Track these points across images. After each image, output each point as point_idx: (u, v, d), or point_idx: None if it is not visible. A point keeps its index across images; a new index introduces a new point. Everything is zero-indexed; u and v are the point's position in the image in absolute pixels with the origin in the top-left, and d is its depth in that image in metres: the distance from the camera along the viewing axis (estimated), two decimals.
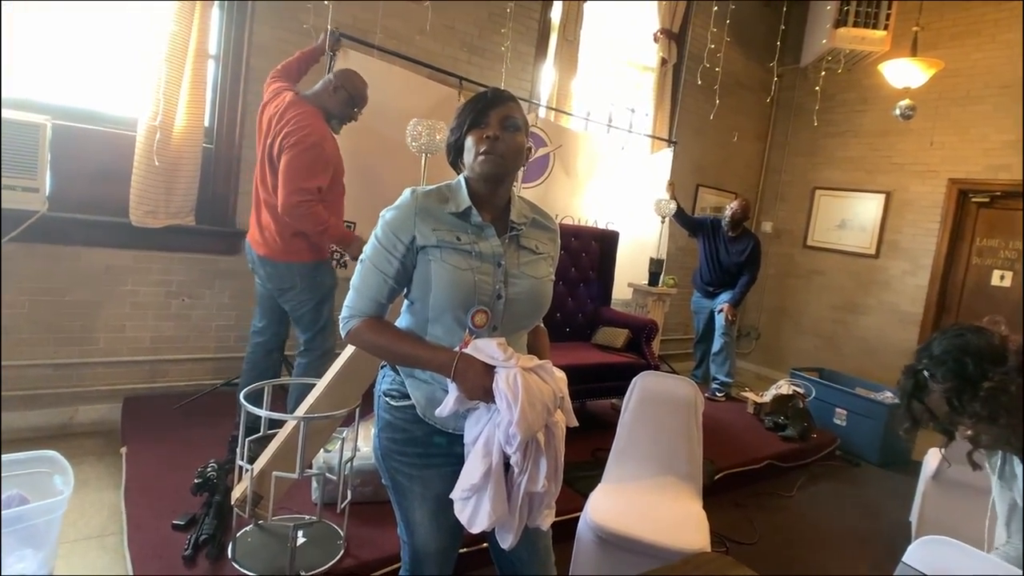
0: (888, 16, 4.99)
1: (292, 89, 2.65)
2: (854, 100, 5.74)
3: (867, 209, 5.62)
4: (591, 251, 4.14)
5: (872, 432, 4.01)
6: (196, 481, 2.19)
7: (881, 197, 5.52)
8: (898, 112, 4.46)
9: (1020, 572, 1.18)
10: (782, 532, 2.98)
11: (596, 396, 3.69)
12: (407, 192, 1.30)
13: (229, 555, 1.96)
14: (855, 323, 5.67)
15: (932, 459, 2.84)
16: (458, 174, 1.38)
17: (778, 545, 2.84)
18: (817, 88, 5.38)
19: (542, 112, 4.54)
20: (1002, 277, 4.93)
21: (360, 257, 1.32)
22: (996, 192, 4.91)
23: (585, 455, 3.18)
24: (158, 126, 2.91)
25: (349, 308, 1.32)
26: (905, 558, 1.27)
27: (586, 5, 4.66)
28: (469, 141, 1.30)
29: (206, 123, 3.22)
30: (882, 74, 4.55)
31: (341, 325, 1.33)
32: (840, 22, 5.06)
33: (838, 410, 4.21)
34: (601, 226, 4.70)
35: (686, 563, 1.41)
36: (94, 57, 2.97)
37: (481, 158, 1.27)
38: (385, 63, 3.50)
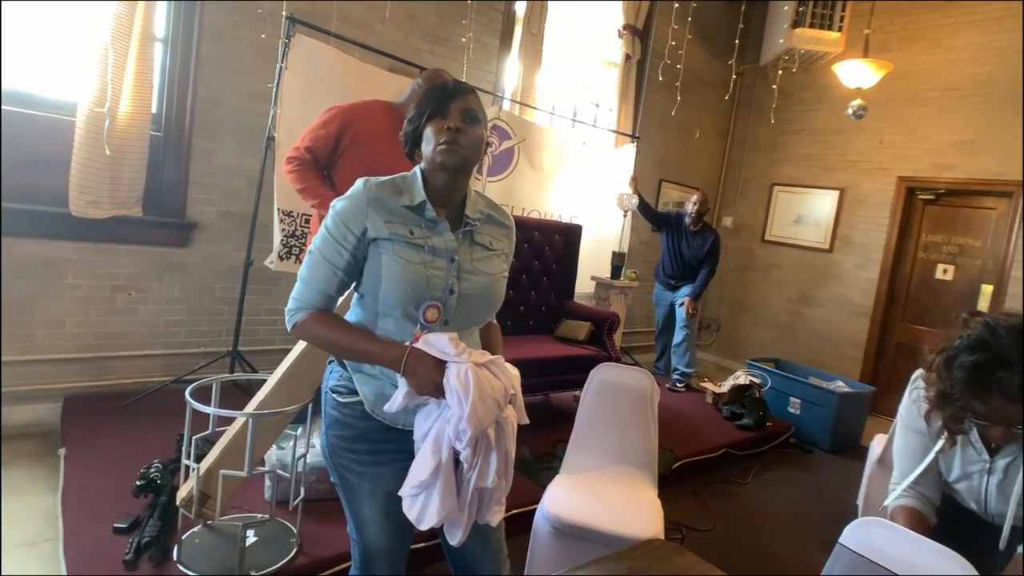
0: (842, 18, 5.13)
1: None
2: (811, 99, 5.88)
3: (822, 205, 5.78)
4: (554, 244, 4.15)
5: (824, 420, 4.12)
6: (138, 482, 2.10)
7: (835, 194, 5.68)
8: (851, 112, 4.59)
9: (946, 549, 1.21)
10: (737, 518, 3.04)
11: (558, 388, 3.70)
12: (359, 182, 1.27)
13: (174, 557, 1.90)
14: (810, 315, 5.83)
15: (878, 444, 2.93)
16: (413, 165, 1.36)
17: (733, 531, 2.90)
18: (775, 87, 5.51)
19: (506, 105, 4.51)
20: (945, 271, 5.13)
21: (309, 248, 1.28)
22: (940, 190, 5.10)
23: (547, 447, 3.19)
24: (104, 112, 2.78)
25: (296, 300, 1.28)
26: (842, 539, 1.30)
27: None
28: (429, 131, 1.27)
29: (154, 109, 3.10)
30: (836, 74, 4.68)
31: (287, 317, 1.29)
32: (797, 23, 5.18)
33: (792, 399, 4.32)
34: (565, 220, 4.71)
35: (633, 549, 1.42)
36: (31, 38, 2.82)
37: (442, 147, 1.24)
38: (342, 52, 3.42)
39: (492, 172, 4.30)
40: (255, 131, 3.35)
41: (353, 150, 2.67)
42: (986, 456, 1.40)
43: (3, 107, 2.70)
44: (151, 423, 2.84)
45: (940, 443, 1.44)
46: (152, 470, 2.16)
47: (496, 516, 1.31)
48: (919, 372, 1.45)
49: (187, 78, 3.20)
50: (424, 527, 1.21)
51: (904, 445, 1.54)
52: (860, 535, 1.30)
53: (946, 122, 4.99)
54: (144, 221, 3.12)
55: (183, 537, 1.96)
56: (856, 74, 4.53)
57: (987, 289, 4.78)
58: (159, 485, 2.13)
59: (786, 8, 5.20)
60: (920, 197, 5.26)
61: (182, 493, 1.90)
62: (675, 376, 4.79)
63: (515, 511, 2.45)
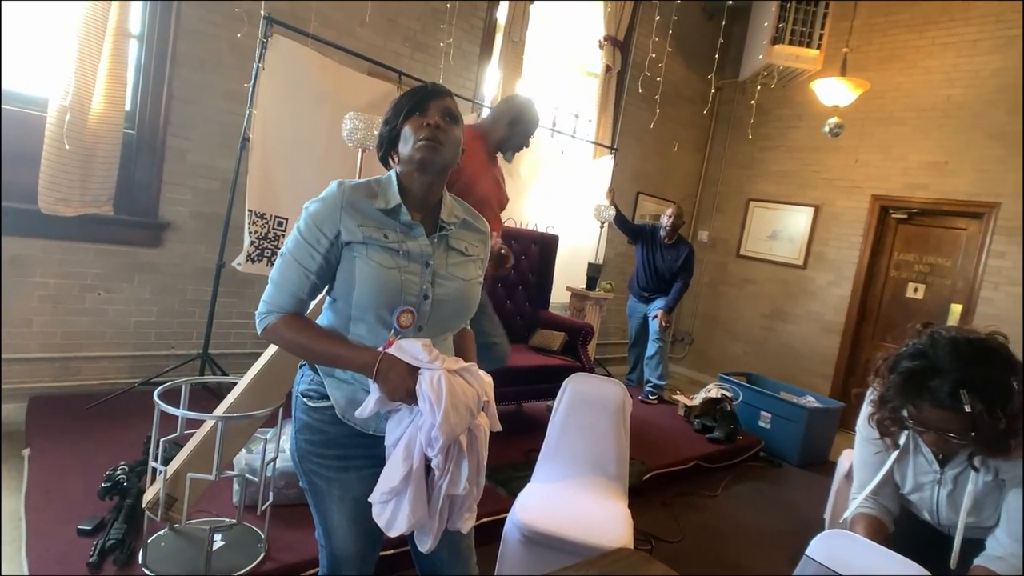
0: (821, 36, 5.23)
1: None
2: (788, 116, 5.99)
3: (797, 222, 5.88)
4: (530, 254, 4.16)
5: (794, 434, 4.17)
6: (104, 484, 2.07)
7: (810, 210, 5.78)
8: (827, 129, 4.67)
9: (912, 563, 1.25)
10: (706, 530, 3.06)
11: (532, 398, 3.70)
12: (333, 184, 1.26)
13: (139, 560, 1.86)
14: (782, 330, 5.92)
15: (845, 460, 2.98)
16: (388, 169, 1.35)
17: (701, 543, 2.92)
18: (753, 102, 5.61)
19: (486, 112, 4.52)
20: (915, 289, 5.24)
21: (281, 251, 1.27)
22: (913, 209, 5.22)
23: (519, 456, 3.18)
24: (68, 107, 2.72)
25: (267, 303, 1.26)
26: (808, 551, 1.33)
27: (532, 7, 4.69)
28: (408, 130, 1.26)
29: (127, 107, 3.05)
30: (814, 91, 4.77)
31: (257, 320, 1.27)
32: (777, 39, 5.27)
33: (763, 413, 4.37)
34: (542, 229, 4.73)
35: (602, 558, 1.44)
36: (4, 31, 2.77)
37: (422, 143, 1.24)
38: (320, 54, 3.41)
39: None
40: (230, 131, 3.32)
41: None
42: (936, 467, 1.45)
43: None
44: (118, 425, 2.79)
45: (894, 457, 1.48)
46: (118, 472, 2.14)
47: (467, 523, 1.31)
48: (848, 451, 1.50)
49: (162, 76, 3.16)
50: (394, 534, 1.20)
51: (862, 456, 1.59)
52: (826, 547, 1.34)
53: (920, 142, 5.11)
54: (115, 220, 3.07)
55: (149, 540, 1.93)
56: (833, 92, 4.62)
57: (956, 308, 4.90)
58: (125, 487, 2.10)
59: (766, 24, 5.30)
60: (893, 216, 5.37)
61: (148, 496, 1.88)
62: (647, 388, 4.83)
63: (485, 519, 2.44)
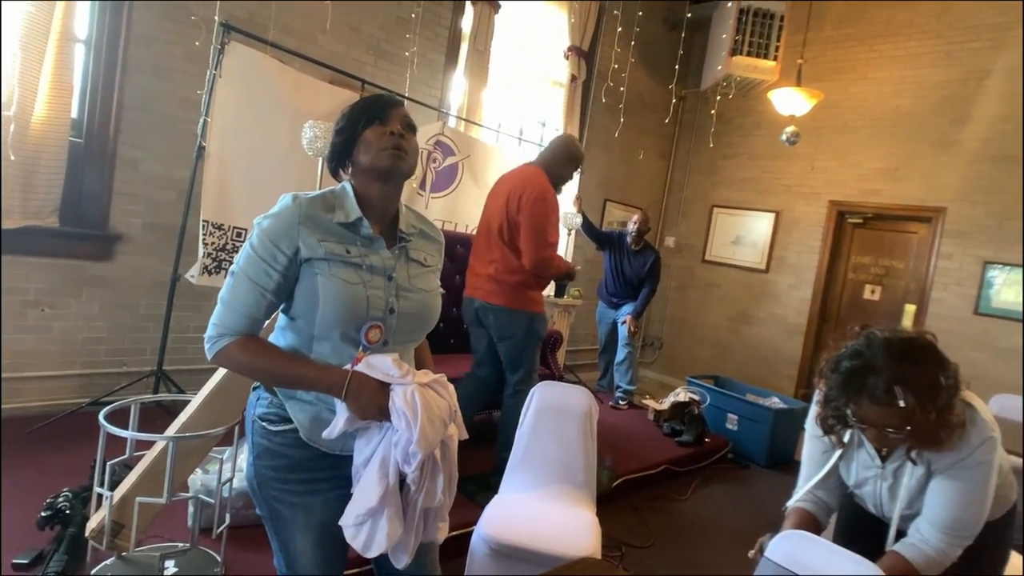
0: (777, 48, 5.37)
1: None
2: (749, 124, 6.12)
3: (759, 227, 6.00)
4: None
5: (760, 435, 4.22)
6: (44, 513, 1.95)
7: (771, 216, 5.90)
8: (785, 138, 4.79)
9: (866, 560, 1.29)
10: (676, 533, 3.07)
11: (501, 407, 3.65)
12: (287, 198, 1.20)
13: None
14: (747, 333, 6.01)
15: None
16: (339, 181, 1.30)
17: (671, 546, 2.91)
18: (713, 111, 5.71)
19: (452, 122, 4.50)
20: (872, 291, 5.39)
21: (231, 268, 1.20)
22: (868, 214, 5.38)
23: (488, 466, 3.13)
24: (11, 116, 2.61)
25: (217, 326, 1.18)
26: (767, 552, 1.37)
27: (497, 17, 4.69)
28: (368, 137, 1.22)
29: (74, 114, 2.94)
30: (771, 101, 4.89)
31: (207, 345, 1.19)
32: (735, 50, 5.39)
33: (730, 415, 4.41)
34: None
35: (564, 568, 1.42)
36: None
37: (387, 152, 1.20)
38: (279, 62, 3.34)
39: (436, 188, 4.26)
40: (186, 140, 3.23)
41: None
42: (878, 462, 1.51)
43: None
44: (62, 449, 2.66)
45: (839, 453, 1.55)
46: (60, 499, 2.02)
47: (441, 533, 1.30)
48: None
49: (112, 82, 3.05)
50: (372, 555, 1.16)
51: (809, 452, 1.65)
52: (784, 548, 1.38)
53: (873, 150, 5.28)
54: (61, 232, 2.94)
55: (93, 572, 1.83)
56: (790, 102, 4.74)
57: (910, 308, 5.05)
58: (68, 515, 1.98)
59: (724, 36, 5.41)
60: (849, 221, 5.53)
61: (92, 523, 1.78)
62: (617, 394, 4.83)
63: (453, 532, 2.38)
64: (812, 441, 1.64)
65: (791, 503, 1.66)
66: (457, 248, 3.84)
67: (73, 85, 2.86)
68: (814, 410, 1.56)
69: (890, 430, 1.33)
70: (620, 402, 4.79)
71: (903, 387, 1.28)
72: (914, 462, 1.42)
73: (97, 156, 3.06)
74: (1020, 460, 2.55)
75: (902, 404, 1.27)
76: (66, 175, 2.91)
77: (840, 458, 1.55)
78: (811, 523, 1.60)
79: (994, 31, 4.68)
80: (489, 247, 2.91)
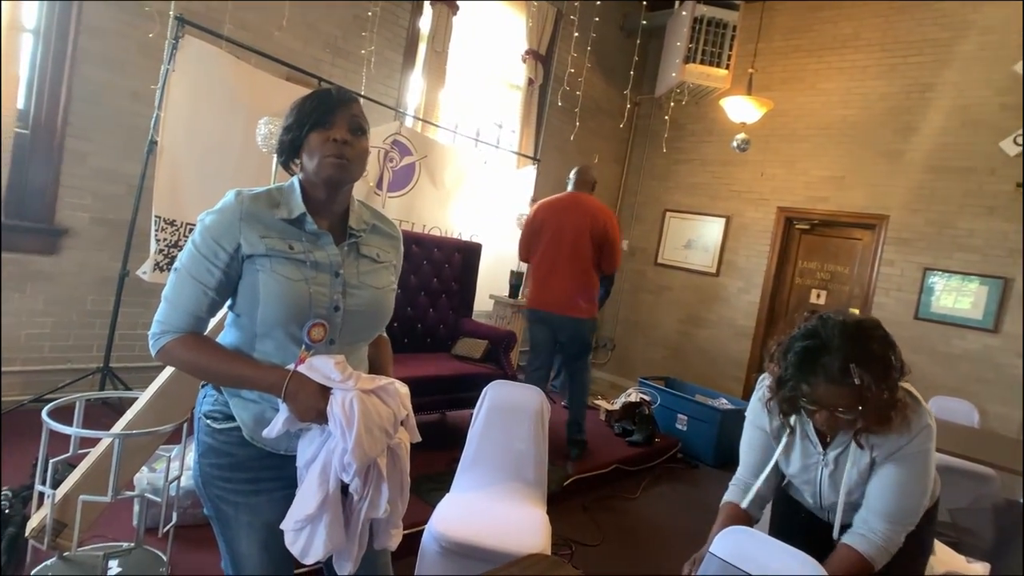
0: (729, 57, 5.52)
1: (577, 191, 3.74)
2: (701, 131, 6.29)
3: (710, 231, 6.17)
4: (453, 262, 4.17)
5: (709, 435, 4.35)
6: None
7: (722, 221, 6.08)
8: (735, 144, 4.95)
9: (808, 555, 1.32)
10: (625, 532, 3.14)
11: (455, 407, 3.68)
12: (230, 194, 1.19)
13: None
14: (697, 335, 6.18)
15: None
16: (290, 175, 1.29)
17: (621, 545, 2.99)
18: (667, 117, 5.85)
19: (408, 121, 4.51)
20: (818, 295, 5.61)
21: (175, 266, 1.20)
22: (815, 220, 5.59)
23: (442, 466, 3.16)
24: None
25: (160, 323, 1.18)
26: (711, 548, 1.40)
27: (455, 18, 4.72)
28: (312, 142, 1.20)
29: (20, 105, 2.86)
30: (723, 108, 5.04)
31: (151, 342, 1.19)
32: (689, 58, 5.52)
33: (680, 416, 4.53)
34: (466, 238, 4.75)
35: (512, 565, 1.45)
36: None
37: (329, 160, 1.18)
38: (235, 57, 3.30)
39: (392, 187, 4.27)
40: (137, 134, 3.17)
41: None
42: (820, 449, 1.54)
43: None
44: (3, 447, 2.57)
45: (783, 443, 1.57)
46: None
47: (394, 540, 1.28)
48: (765, 374, 1.59)
49: (61, 74, 2.98)
50: (309, 562, 1.15)
51: (747, 441, 1.69)
52: (728, 543, 1.40)
53: (820, 158, 5.49)
54: (4, 225, 2.84)
55: (32, 572, 1.79)
56: (740, 110, 4.90)
57: (854, 313, 5.25)
58: (6, 515, 1.94)
59: (679, 44, 5.55)
60: (797, 227, 5.74)
61: (33, 522, 1.75)
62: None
63: (404, 532, 2.41)
64: (751, 430, 1.67)
65: (727, 497, 1.68)
66: (412, 248, 3.86)
67: (19, 75, 2.77)
68: (760, 395, 1.59)
69: (842, 411, 1.35)
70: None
71: (858, 365, 1.30)
72: (861, 446, 1.44)
73: (43, 148, 2.98)
74: (947, 458, 2.71)
75: (857, 382, 1.30)
76: (11, 167, 2.82)
77: (782, 448, 1.58)
78: (742, 516, 1.62)
79: (936, 46, 4.89)
80: (572, 266, 3.52)
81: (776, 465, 1.62)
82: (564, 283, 3.52)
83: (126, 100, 3.19)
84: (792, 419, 1.54)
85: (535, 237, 3.62)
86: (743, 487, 1.67)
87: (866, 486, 1.48)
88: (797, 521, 1.70)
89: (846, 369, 1.31)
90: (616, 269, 3.70)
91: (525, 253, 3.76)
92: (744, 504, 1.62)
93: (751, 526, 1.59)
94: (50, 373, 3.09)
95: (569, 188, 3.78)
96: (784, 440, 1.57)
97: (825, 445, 1.54)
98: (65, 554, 1.87)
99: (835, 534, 1.51)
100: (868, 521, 1.44)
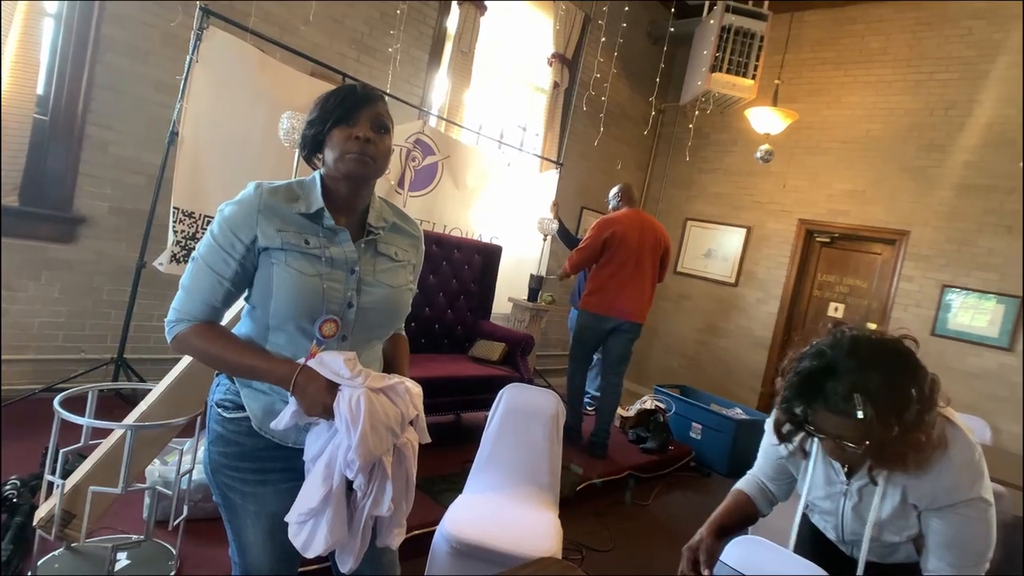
0: (756, 68, 5.45)
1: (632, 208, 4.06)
2: (726, 141, 6.23)
3: (730, 241, 6.10)
4: (473, 264, 4.13)
5: (722, 445, 4.29)
6: None
7: (743, 231, 6.01)
8: (759, 155, 4.88)
9: (820, 570, 1.27)
10: (636, 539, 3.09)
11: (471, 408, 3.65)
12: (250, 186, 1.19)
13: None
14: (715, 345, 6.10)
15: None
16: (313, 169, 1.29)
17: (631, 551, 2.94)
18: (691, 126, 5.80)
19: (432, 121, 4.49)
20: (836, 309, 5.53)
21: (193, 255, 1.19)
22: (835, 234, 5.51)
23: (456, 467, 3.12)
24: None
25: (177, 311, 1.18)
26: (722, 557, 1.34)
27: (483, 19, 4.70)
28: (335, 138, 1.19)
29: (39, 90, 2.85)
30: (748, 119, 4.98)
31: (167, 329, 1.19)
32: (715, 67, 5.46)
33: (694, 424, 4.47)
34: (486, 239, 4.71)
35: (524, 568, 1.41)
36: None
37: (350, 157, 1.18)
38: (260, 50, 3.29)
39: (414, 187, 4.24)
40: (158, 124, 3.16)
41: None
42: (843, 478, 1.38)
43: None
44: (12, 437, 2.55)
45: (803, 469, 1.45)
46: (7, 487, 1.95)
47: (396, 538, 1.27)
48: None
49: (82, 60, 2.97)
50: (310, 555, 1.15)
51: (764, 449, 1.57)
52: (739, 552, 1.36)
53: (843, 172, 5.42)
54: (21, 212, 2.85)
55: (39, 562, 1.77)
56: (765, 120, 4.84)
57: (871, 327, 5.17)
58: (15, 504, 1.93)
59: (705, 53, 5.50)
60: (817, 239, 5.66)
61: (42, 512, 1.73)
62: (586, 399, 4.86)
63: (415, 532, 2.38)
64: (769, 443, 1.50)
65: (740, 483, 1.60)
66: (433, 248, 3.83)
67: (40, 60, 2.76)
68: (774, 413, 1.41)
69: (848, 443, 1.17)
70: (588, 407, 4.81)
71: (864, 396, 1.12)
72: (875, 482, 1.27)
73: (63, 135, 2.97)
74: None
75: (860, 415, 1.11)
76: (29, 153, 2.81)
77: (800, 470, 1.45)
78: (748, 505, 1.53)
79: (962, 64, 4.84)
80: (648, 279, 3.94)
81: (789, 474, 1.52)
82: (640, 294, 3.93)
83: (149, 89, 3.19)
84: (808, 443, 1.38)
85: (613, 249, 3.85)
86: (758, 481, 1.58)
87: (894, 525, 1.31)
88: (817, 552, 1.53)
89: (850, 398, 1.12)
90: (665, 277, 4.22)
91: (591, 261, 3.93)
92: (737, 485, 1.57)
93: (757, 519, 1.54)
94: (63, 362, 3.08)
95: (621, 203, 4.05)
96: (803, 465, 1.44)
97: (848, 473, 1.36)
98: (73, 545, 1.85)
99: (859, 572, 1.35)
100: (941, 570, 1.26)
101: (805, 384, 1.20)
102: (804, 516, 1.59)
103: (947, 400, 1.23)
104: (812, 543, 1.55)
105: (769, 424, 1.45)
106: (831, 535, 1.51)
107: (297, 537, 1.16)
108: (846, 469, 1.36)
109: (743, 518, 1.53)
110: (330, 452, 1.14)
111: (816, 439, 1.30)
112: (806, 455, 1.41)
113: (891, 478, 1.27)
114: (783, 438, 1.34)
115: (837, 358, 1.17)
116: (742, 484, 1.60)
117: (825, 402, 1.16)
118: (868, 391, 1.12)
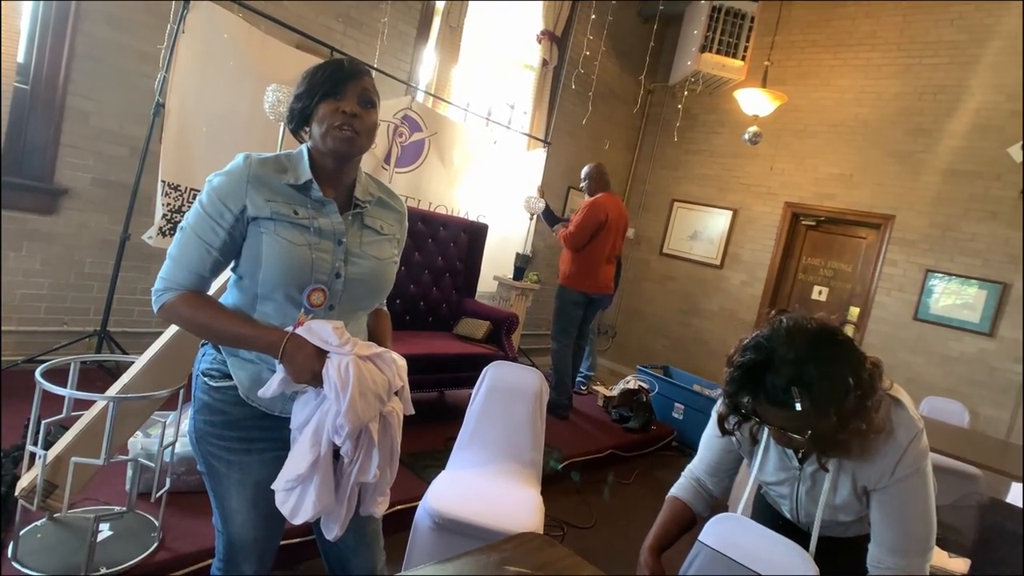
0: (746, 49, 5.45)
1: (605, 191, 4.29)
2: (713, 122, 6.22)
3: (716, 223, 6.13)
4: (459, 242, 4.13)
5: (704, 425, 4.30)
6: None
7: (729, 213, 6.04)
8: (747, 137, 4.89)
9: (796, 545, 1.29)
10: (618, 516, 3.15)
11: (454, 386, 3.67)
12: (239, 157, 1.20)
13: (9, 555, 1.71)
14: (699, 326, 6.16)
15: None
16: (300, 142, 1.29)
17: (612, 528, 3.00)
18: (680, 106, 5.78)
19: (420, 97, 4.45)
20: (820, 292, 5.59)
21: (181, 224, 1.20)
22: (821, 217, 5.55)
23: (438, 444, 3.16)
24: None
25: (164, 280, 1.19)
26: (701, 536, 1.37)
27: None
28: (321, 112, 1.20)
29: (20, 59, 2.79)
30: (737, 100, 4.98)
31: (154, 298, 1.19)
32: (705, 47, 5.45)
33: (677, 404, 4.54)
34: (472, 217, 4.70)
35: (505, 542, 1.44)
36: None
37: (336, 132, 1.19)
38: (246, 22, 3.23)
39: (401, 163, 4.22)
40: (142, 95, 3.11)
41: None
42: (795, 463, 1.40)
43: None
44: None
45: (756, 456, 1.44)
46: None
47: (380, 507, 1.30)
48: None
49: (63, 29, 2.90)
50: (298, 521, 1.17)
51: (708, 438, 1.56)
52: (717, 531, 1.38)
53: (830, 155, 5.44)
54: (1, 182, 2.80)
55: (21, 532, 1.78)
56: (754, 102, 4.85)
57: (854, 311, 5.27)
58: None
59: (696, 32, 5.47)
60: (803, 222, 5.70)
61: (24, 483, 1.73)
62: (579, 379, 4.90)
63: (397, 507, 2.41)
64: (714, 430, 1.48)
65: (674, 489, 1.58)
66: (418, 225, 3.82)
67: (20, 28, 2.71)
68: (717, 406, 1.41)
69: (792, 433, 1.20)
70: (581, 387, 4.86)
71: (800, 388, 1.13)
72: (825, 468, 1.28)
73: (44, 105, 2.92)
74: (934, 456, 2.71)
75: (798, 407, 1.13)
76: (9, 123, 2.77)
77: (751, 456, 1.44)
78: (684, 514, 1.52)
79: (951, 48, 4.84)
80: (613, 255, 4.31)
81: (732, 466, 1.52)
82: (611, 268, 4.33)
83: (132, 60, 3.13)
84: (759, 430, 1.39)
85: (604, 232, 4.11)
86: (694, 482, 1.56)
87: (847, 506, 1.33)
88: (775, 528, 1.50)
89: (788, 390, 1.14)
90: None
91: (583, 243, 4.09)
92: (672, 492, 1.56)
93: (695, 525, 1.52)
94: (45, 334, 3.06)
95: (598, 187, 4.25)
96: (754, 452, 1.44)
97: (803, 460, 1.37)
98: (55, 515, 1.86)
99: (811, 549, 1.35)
100: (882, 560, 1.27)
101: (745, 378, 1.20)
102: (759, 498, 1.62)
103: (890, 383, 1.25)
104: (769, 519, 1.55)
105: (713, 416, 1.45)
106: (787, 515, 1.53)
107: (285, 504, 1.17)
108: (800, 455, 1.38)
109: (680, 531, 1.52)
110: (318, 419, 1.15)
111: (766, 427, 1.31)
112: (755, 442, 1.42)
113: (841, 464, 1.29)
114: (727, 432, 1.35)
115: (774, 351, 1.17)
116: (677, 490, 1.57)
117: (765, 394, 1.18)
118: (804, 382, 1.13)
